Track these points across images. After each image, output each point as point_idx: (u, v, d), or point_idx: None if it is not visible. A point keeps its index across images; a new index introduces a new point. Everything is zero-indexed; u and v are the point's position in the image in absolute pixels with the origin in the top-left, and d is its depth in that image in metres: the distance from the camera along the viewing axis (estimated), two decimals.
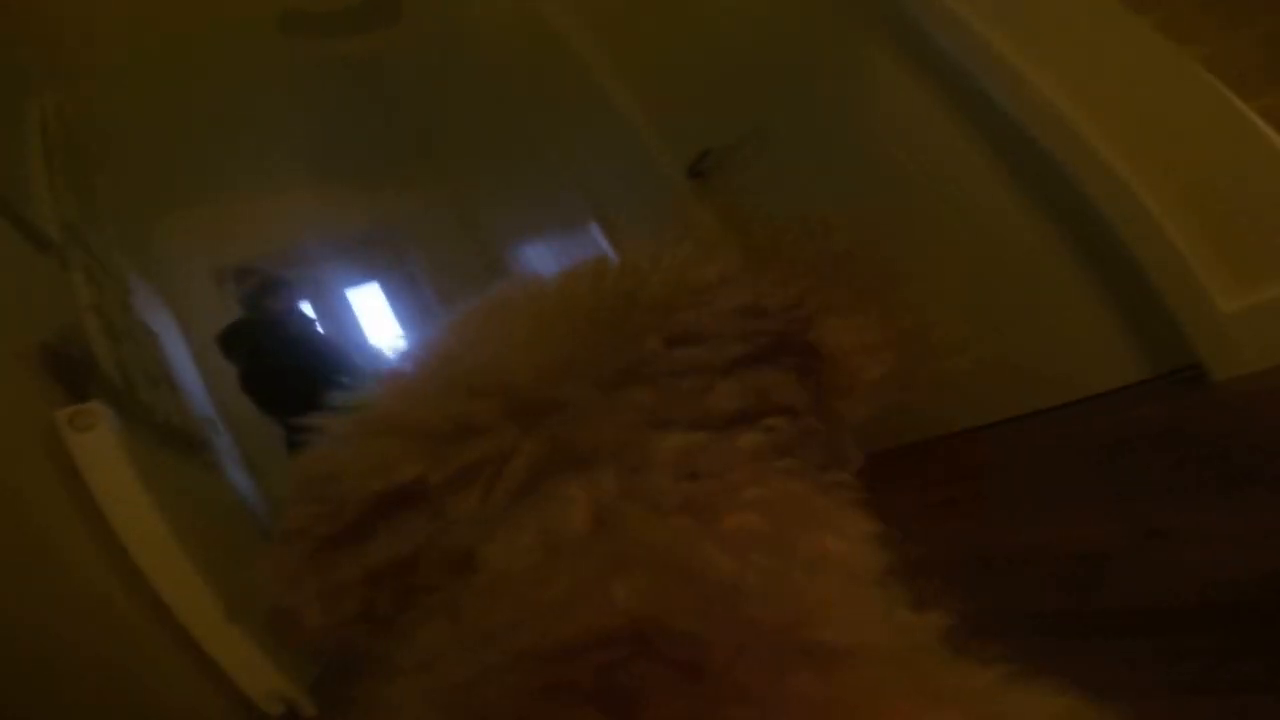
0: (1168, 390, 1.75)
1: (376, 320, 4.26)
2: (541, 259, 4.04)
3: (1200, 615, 0.92)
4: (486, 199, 4.19)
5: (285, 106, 3.40)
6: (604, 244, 3.31)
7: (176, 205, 3.64)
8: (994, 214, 1.98)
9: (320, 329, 3.57)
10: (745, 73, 2.45)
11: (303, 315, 3.44)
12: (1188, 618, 0.93)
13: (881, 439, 2.59)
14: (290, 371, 3.02)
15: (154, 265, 3.55)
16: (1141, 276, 1.68)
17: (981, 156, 1.96)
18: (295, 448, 2.19)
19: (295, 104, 3.39)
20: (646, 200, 3.01)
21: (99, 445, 1.90)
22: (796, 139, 2.41)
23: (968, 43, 1.83)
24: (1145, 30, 1.62)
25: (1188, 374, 1.70)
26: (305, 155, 3.79)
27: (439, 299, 4.20)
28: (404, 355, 0.51)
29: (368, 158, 3.91)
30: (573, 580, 0.32)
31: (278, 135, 3.57)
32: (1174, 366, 1.75)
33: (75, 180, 2.74)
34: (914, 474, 2.19)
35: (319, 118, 3.53)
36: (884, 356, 0.47)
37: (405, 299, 4.32)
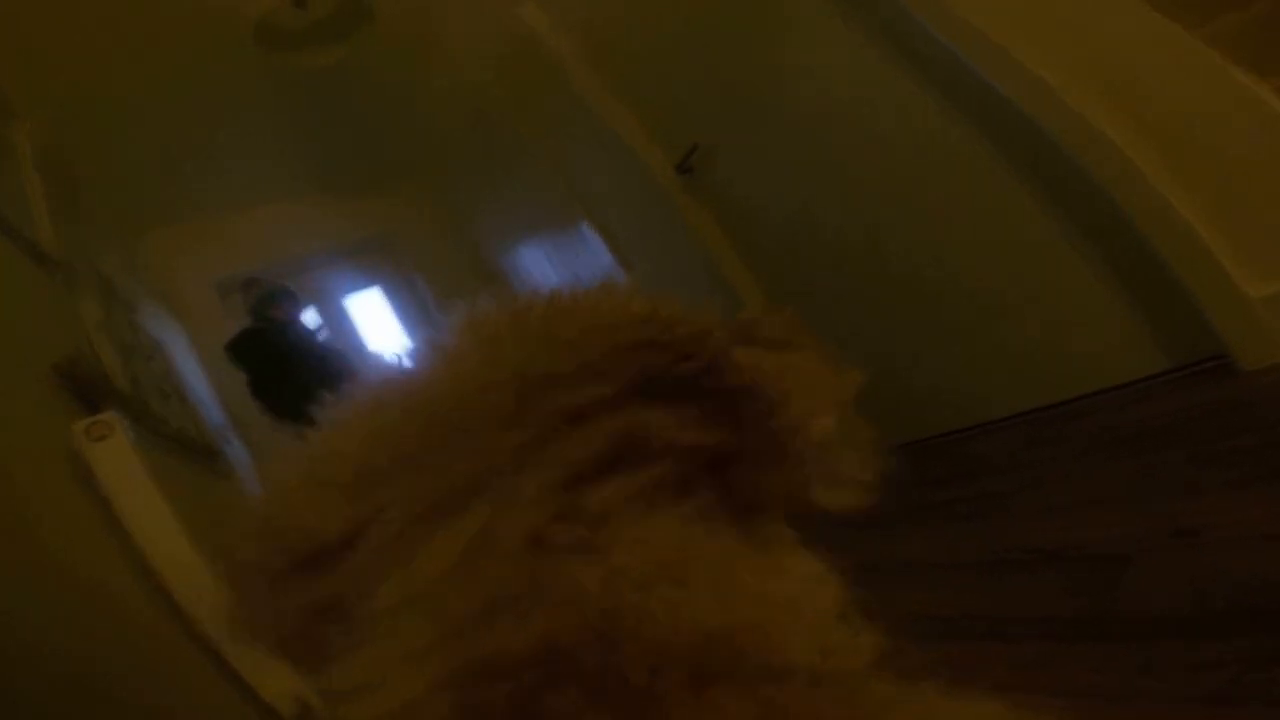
0: (1194, 381, 1.69)
1: (378, 323, 4.33)
2: (534, 256, 4.10)
3: (1229, 620, 0.88)
4: (476, 201, 4.25)
5: (272, 120, 3.44)
6: (596, 240, 3.39)
7: (176, 220, 3.69)
8: (1005, 203, 1.95)
9: (323, 335, 3.64)
10: (733, 66, 2.47)
11: (306, 323, 3.51)
12: (1215, 622, 0.89)
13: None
14: (296, 377, 3.10)
15: (157, 281, 3.61)
16: (1162, 263, 1.65)
17: (991, 148, 1.92)
18: None
19: (282, 117, 3.44)
20: (635, 197, 3.07)
21: (116, 453, 1.94)
22: (789, 130, 2.42)
23: (974, 39, 1.79)
24: (1160, 18, 1.60)
25: (1215, 364, 1.66)
26: (297, 166, 3.85)
27: (437, 300, 4.26)
28: (343, 398, 0.52)
29: (357, 166, 3.97)
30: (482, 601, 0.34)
31: (268, 148, 3.62)
32: (1200, 356, 1.70)
33: (73, 200, 2.79)
34: (917, 472, 2.12)
35: (306, 129, 3.58)
36: (828, 403, 0.44)
37: (405, 302, 4.39)
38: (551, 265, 3.91)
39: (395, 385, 0.48)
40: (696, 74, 2.58)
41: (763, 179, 2.57)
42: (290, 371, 3.12)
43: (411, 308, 4.36)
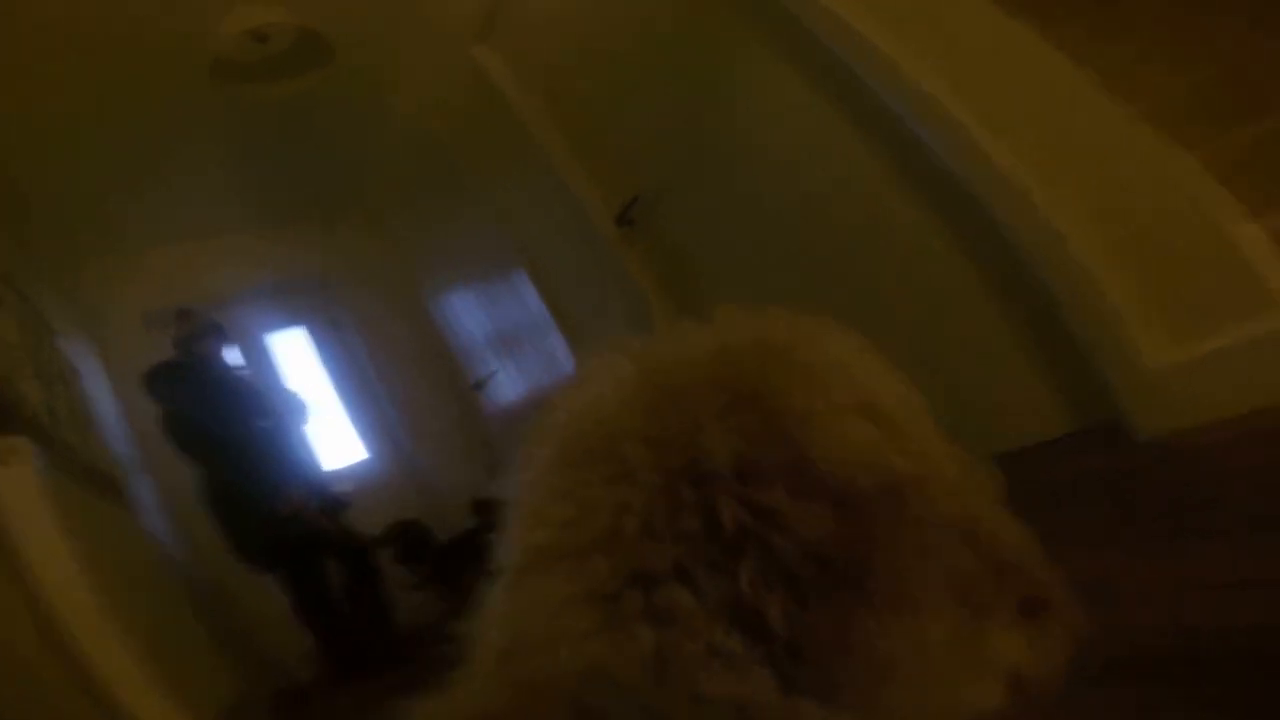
0: (1093, 444, 1.74)
1: (300, 364, 4.24)
2: (465, 304, 4.06)
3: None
4: (416, 243, 4.22)
5: (218, 151, 3.41)
6: (529, 291, 3.38)
7: (112, 250, 3.62)
8: (921, 263, 2.03)
9: (244, 374, 3.58)
10: (683, 117, 2.53)
11: (228, 360, 3.45)
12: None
13: None
14: (210, 414, 3.05)
15: (86, 309, 3.53)
16: (1072, 330, 1.70)
17: (915, 209, 2.00)
18: (211, 491, 2.23)
19: (229, 148, 3.41)
20: (575, 247, 3.09)
21: (19, 480, 1.88)
22: (724, 184, 2.49)
23: (908, 96, 1.88)
24: (1083, 81, 1.66)
25: (1112, 429, 1.68)
26: (238, 200, 3.81)
27: (364, 344, 4.26)
28: None
29: (298, 202, 3.94)
30: None
31: (211, 180, 3.58)
32: (1099, 421, 1.75)
33: (22, 221, 2.72)
34: None
35: (250, 162, 3.55)
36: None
37: (330, 344, 4.33)
38: (485, 313, 3.89)
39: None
40: (646, 124, 2.63)
41: (707, 233, 2.62)
42: (206, 409, 3.06)
43: (336, 351, 4.30)
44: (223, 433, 3.04)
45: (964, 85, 1.81)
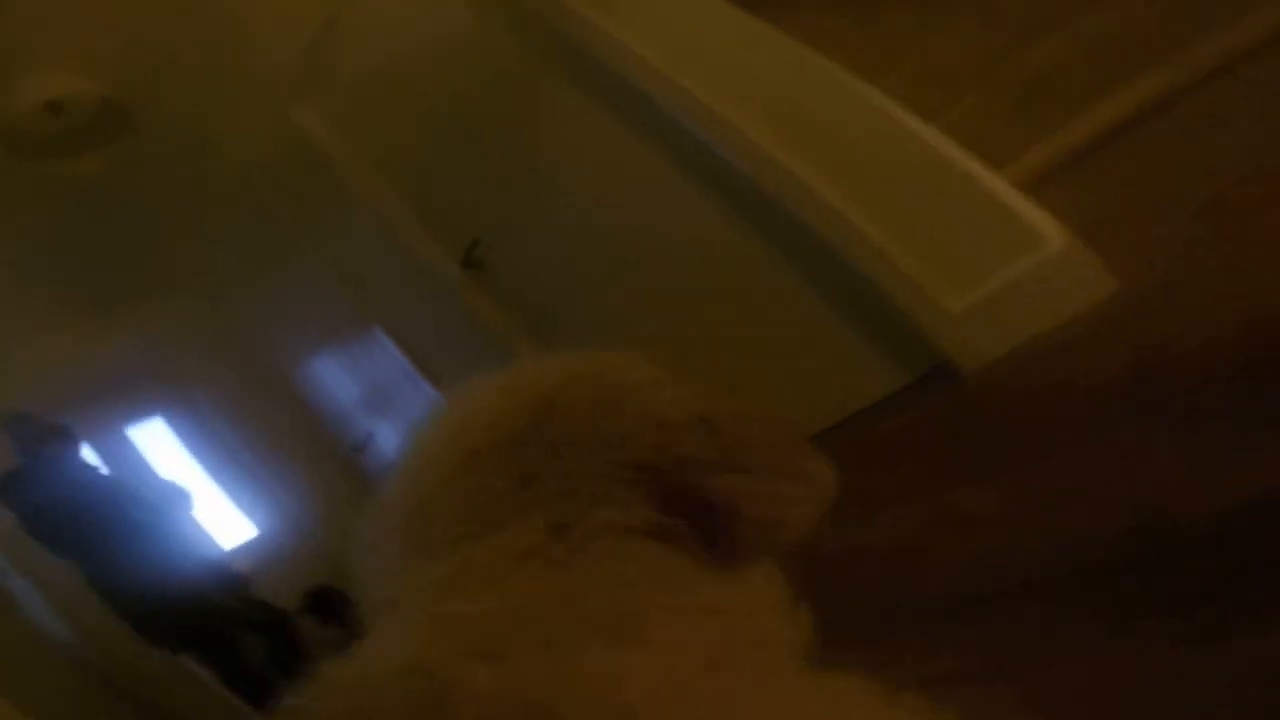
0: (926, 389, 1.93)
1: (167, 454, 4.08)
2: (327, 367, 4.00)
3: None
4: (256, 311, 4.07)
5: (26, 237, 3.20)
6: (390, 346, 3.35)
7: None
8: (739, 266, 2.18)
9: (104, 470, 3.43)
10: (505, 159, 2.59)
11: (83, 459, 3.30)
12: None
13: None
14: (78, 514, 2.92)
15: None
16: (879, 297, 1.89)
17: (721, 217, 2.16)
18: (97, 584, 2.15)
19: (36, 232, 3.20)
20: (421, 295, 3.09)
21: None
22: (550, 218, 2.57)
23: (697, 118, 2.04)
24: (834, 70, 1.89)
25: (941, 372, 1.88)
26: (57, 288, 3.53)
27: (228, 422, 4.13)
28: None
29: (123, 281, 3.68)
30: None
31: (23, 270, 3.32)
32: (928, 367, 1.94)
33: None
34: None
35: (64, 244, 3.31)
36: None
37: (190, 428, 4.17)
38: (348, 375, 3.84)
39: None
40: (471, 169, 2.67)
41: (546, 266, 2.67)
42: (72, 509, 2.93)
43: (200, 435, 4.16)
44: (90, 530, 2.92)
45: (741, 93, 2.00)
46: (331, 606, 3.43)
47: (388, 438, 3.76)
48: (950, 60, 2.21)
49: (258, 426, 4.11)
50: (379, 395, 3.65)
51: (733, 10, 2.03)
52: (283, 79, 2.96)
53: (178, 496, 3.34)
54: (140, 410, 4.10)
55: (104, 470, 3.40)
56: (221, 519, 4.00)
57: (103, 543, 2.95)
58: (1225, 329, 1.24)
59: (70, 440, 3.15)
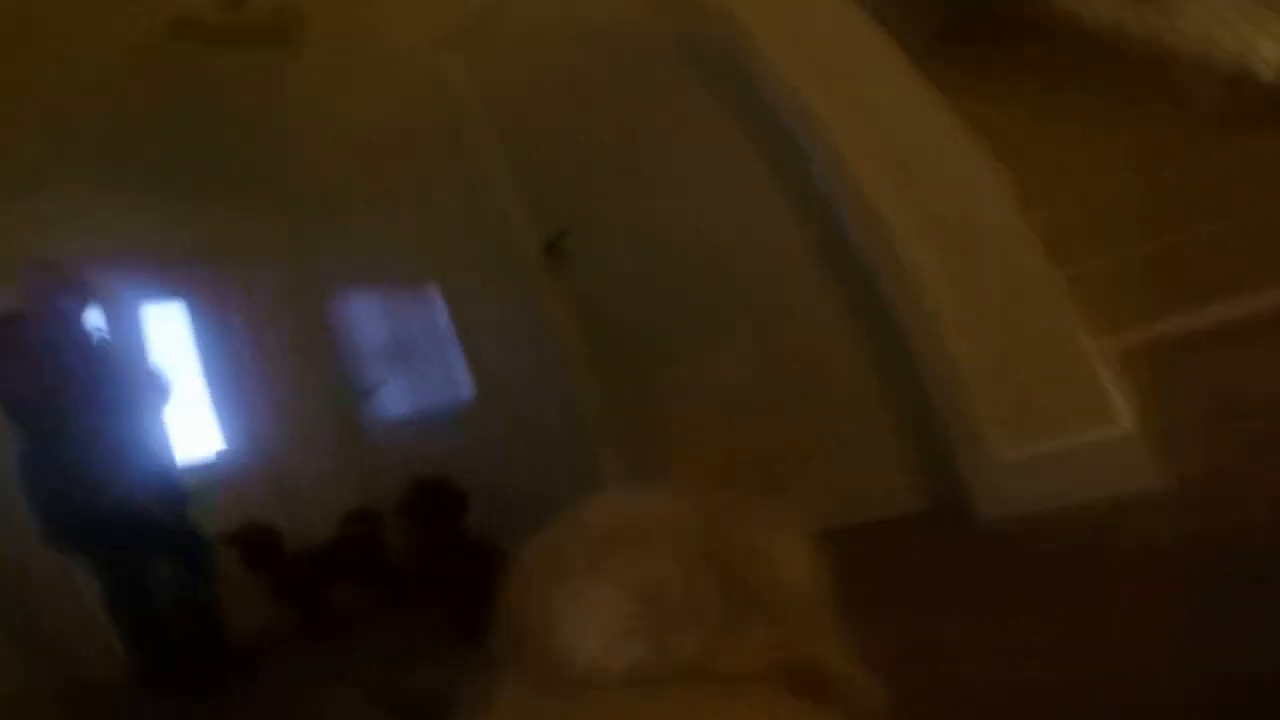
0: (941, 521, 1.95)
1: (167, 340, 3.91)
2: (367, 309, 3.94)
3: None
4: (324, 235, 4.02)
5: (138, 106, 3.20)
6: (439, 307, 3.35)
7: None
8: (809, 316, 2.19)
9: (102, 341, 3.27)
10: (619, 157, 2.59)
11: (85, 325, 3.15)
12: None
13: None
14: (43, 379, 2.74)
15: None
16: (935, 413, 1.91)
17: (815, 270, 2.16)
18: (30, 457, 1.99)
19: (149, 106, 3.20)
20: (493, 269, 3.06)
21: None
22: (649, 232, 2.56)
23: (829, 165, 2.03)
24: (988, 183, 1.88)
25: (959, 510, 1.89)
26: (151, 157, 3.51)
27: (248, 330, 3.99)
28: None
29: (211, 174, 3.69)
30: None
31: (123, 131, 3.31)
32: (948, 502, 1.94)
33: None
34: None
35: (172, 125, 3.33)
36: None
37: (209, 323, 4.04)
38: (384, 321, 3.77)
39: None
40: (586, 157, 2.68)
41: (623, 273, 2.66)
42: (38, 372, 2.76)
43: (214, 332, 4.01)
44: (54, 400, 2.73)
45: (882, 154, 1.97)
46: (261, 549, 3.20)
47: (398, 393, 3.67)
48: (1115, 211, 2.23)
49: (273, 344, 4.00)
50: (406, 350, 3.58)
51: (905, 69, 2.03)
52: (447, 25, 3.02)
53: (157, 385, 3.15)
54: (168, 290, 3.98)
55: (98, 336, 3.24)
56: (193, 425, 3.78)
57: (61, 411, 2.75)
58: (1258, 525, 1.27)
59: (80, 295, 3.03)
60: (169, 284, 3.84)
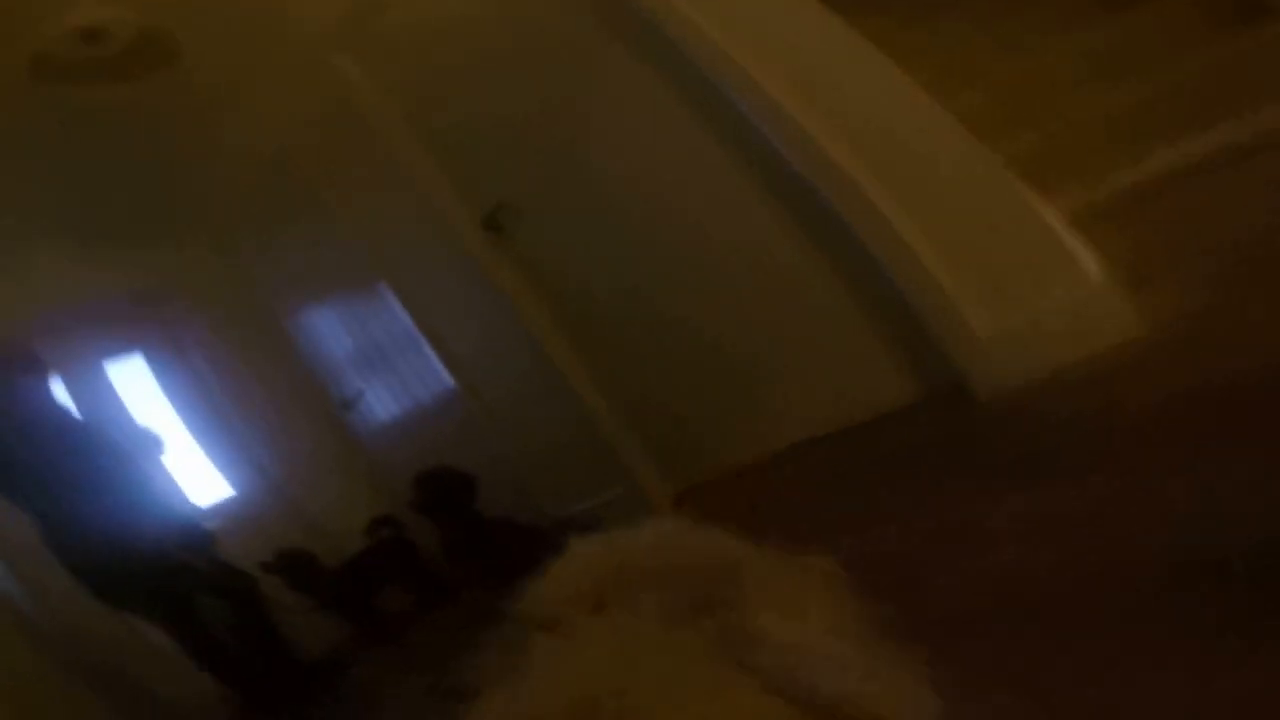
0: (938, 407, 1.98)
1: (140, 397, 3.83)
2: (326, 320, 3.89)
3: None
4: (262, 258, 3.95)
5: (35, 156, 3.07)
6: (394, 304, 3.31)
7: None
8: (774, 257, 2.20)
9: (71, 407, 3.24)
10: (546, 121, 2.55)
11: (49, 393, 3.11)
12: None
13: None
14: (37, 456, 2.74)
15: None
16: (909, 307, 1.93)
17: (759, 204, 2.17)
18: (52, 536, 2.02)
19: (48, 154, 3.08)
20: (436, 254, 3.04)
21: None
22: (587, 194, 2.55)
23: (757, 105, 2.03)
24: (908, 87, 1.91)
25: (954, 393, 1.92)
26: (54, 212, 3.37)
27: (212, 369, 3.92)
28: None
29: (127, 216, 3.56)
30: None
31: (27, 188, 3.18)
32: (941, 386, 1.98)
33: None
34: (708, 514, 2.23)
35: (75, 170, 3.19)
36: None
37: (173, 372, 3.96)
38: (346, 330, 3.73)
39: None
40: (510, 131, 2.63)
41: (572, 241, 2.67)
42: (27, 451, 2.75)
43: (181, 379, 3.94)
44: (50, 475, 2.75)
45: (807, 90, 2.00)
46: (301, 570, 3.28)
47: (379, 397, 3.68)
48: (1027, 88, 2.29)
49: (243, 375, 3.94)
50: (376, 353, 3.57)
51: (817, 6, 2.03)
52: (328, 26, 2.90)
53: (149, 442, 3.17)
54: (121, 346, 3.87)
55: (71, 408, 3.22)
56: (193, 471, 3.79)
57: (62, 489, 2.75)
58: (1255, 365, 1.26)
59: (38, 372, 2.98)
60: (118, 338, 3.75)
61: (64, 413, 3.10)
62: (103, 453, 2.96)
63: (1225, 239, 1.73)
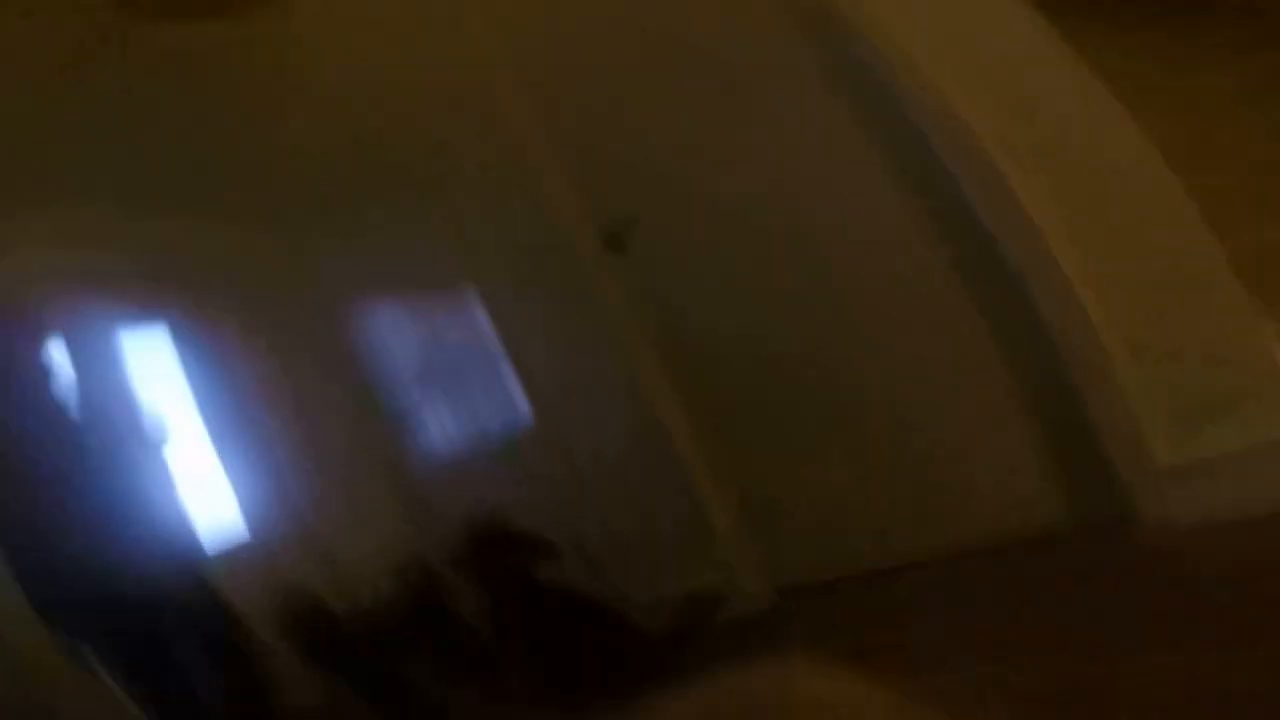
0: (1098, 535, 1.77)
1: (153, 374, 3.55)
2: (392, 321, 3.66)
3: None
4: (332, 244, 3.70)
5: (106, 98, 2.86)
6: (478, 313, 3.16)
7: None
8: (939, 325, 1.95)
9: (65, 373, 2.99)
10: (690, 129, 2.46)
11: (50, 360, 2.86)
12: None
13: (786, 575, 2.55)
14: (13, 434, 2.48)
15: None
16: (1086, 421, 1.72)
17: (927, 253, 1.93)
18: (9, 523, 1.50)
19: (113, 102, 2.88)
20: (542, 267, 2.87)
21: None
22: (733, 221, 2.43)
23: (948, 139, 1.80)
24: (1144, 146, 1.72)
25: (1117, 521, 1.74)
26: (113, 167, 3.17)
27: (250, 359, 3.60)
28: None
29: (190, 177, 3.28)
30: None
31: (84, 132, 2.99)
32: (1104, 512, 1.78)
33: None
34: (818, 619, 2.28)
35: (140, 120, 2.98)
36: None
37: (203, 355, 3.65)
38: (414, 340, 3.52)
39: None
40: (645, 140, 2.51)
41: (705, 276, 2.48)
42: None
43: (210, 364, 3.63)
44: (29, 451, 2.47)
45: (1014, 124, 1.79)
46: (313, 628, 2.92)
47: (439, 416, 3.42)
48: (1261, 177, 2.02)
49: (281, 378, 3.61)
50: (448, 367, 3.30)
51: (1045, 30, 1.80)
52: None
53: (150, 430, 2.91)
54: (146, 327, 3.57)
55: (65, 374, 2.96)
56: (201, 479, 3.47)
57: (40, 485, 2.50)
58: None
59: (38, 331, 2.72)
60: (146, 309, 3.51)
61: (58, 383, 2.87)
62: (99, 436, 2.83)
63: None
